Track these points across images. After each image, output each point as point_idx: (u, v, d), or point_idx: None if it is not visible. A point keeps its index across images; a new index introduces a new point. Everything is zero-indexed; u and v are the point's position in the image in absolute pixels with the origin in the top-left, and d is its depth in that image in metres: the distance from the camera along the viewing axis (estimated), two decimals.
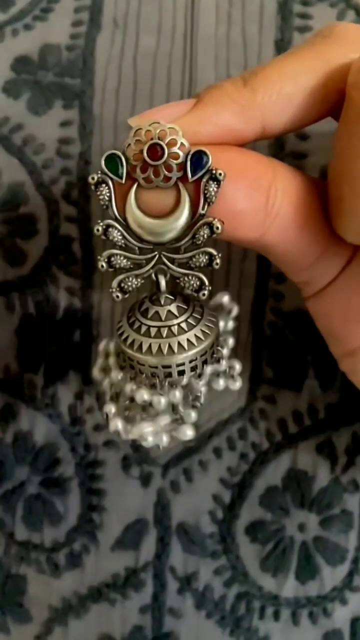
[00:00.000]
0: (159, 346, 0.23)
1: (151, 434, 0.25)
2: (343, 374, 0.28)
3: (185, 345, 0.23)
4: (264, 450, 0.32)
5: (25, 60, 0.33)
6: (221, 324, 0.26)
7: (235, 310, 0.28)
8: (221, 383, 0.26)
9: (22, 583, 0.34)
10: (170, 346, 0.23)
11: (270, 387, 0.32)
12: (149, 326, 0.24)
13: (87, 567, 0.34)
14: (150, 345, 0.23)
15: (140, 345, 0.24)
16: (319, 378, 0.31)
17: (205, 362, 0.24)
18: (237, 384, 0.27)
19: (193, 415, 0.25)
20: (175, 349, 0.23)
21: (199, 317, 0.24)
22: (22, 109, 0.32)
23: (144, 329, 0.24)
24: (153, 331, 0.24)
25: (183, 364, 0.23)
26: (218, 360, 0.25)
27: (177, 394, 0.24)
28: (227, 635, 0.33)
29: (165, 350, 0.23)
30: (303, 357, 0.31)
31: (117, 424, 0.25)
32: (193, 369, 0.24)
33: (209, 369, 0.25)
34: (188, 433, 0.25)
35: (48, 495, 0.34)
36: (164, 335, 0.23)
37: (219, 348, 0.25)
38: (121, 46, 0.32)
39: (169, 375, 0.24)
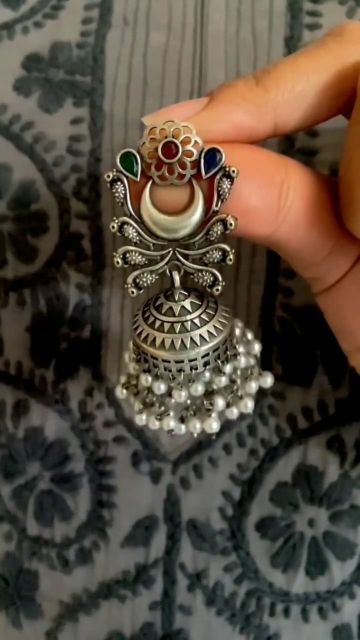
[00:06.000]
0: (172, 341, 0.23)
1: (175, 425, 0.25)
2: (352, 370, 0.28)
3: (198, 341, 0.24)
4: (274, 446, 0.32)
5: (36, 58, 0.33)
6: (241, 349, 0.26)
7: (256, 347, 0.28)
8: (253, 386, 0.26)
9: (34, 578, 0.35)
10: (182, 342, 0.23)
11: (279, 383, 0.32)
12: (163, 321, 0.24)
13: (97, 564, 0.34)
14: (163, 340, 0.24)
15: (154, 340, 0.24)
16: (329, 374, 0.31)
17: (218, 357, 0.24)
18: (269, 380, 0.27)
19: (220, 404, 0.25)
20: (188, 344, 0.23)
21: (212, 312, 0.24)
22: (33, 107, 0.32)
23: (157, 324, 0.24)
24: (167, 326, 0.24)
25: (195, 359, 0.24)
26: (235, 356, 0.25)
27: (199, 388, 0.24)
28: (238, 633, 0.33)
29: (177, 345, 0.23)
30: (312, 353, 0.32)
31: (142, 418, 0.26)
32: (206, 364, 0.24)
33: (228, 367, 0.25)
34: (214, 425, 0.25)
35: (59, 491, 0.34)
36: (177, 330, 0.24)
37: (235, 345, 0.25)
38: (131, 43, 0.32)
39: (182, 370, 0.24)
